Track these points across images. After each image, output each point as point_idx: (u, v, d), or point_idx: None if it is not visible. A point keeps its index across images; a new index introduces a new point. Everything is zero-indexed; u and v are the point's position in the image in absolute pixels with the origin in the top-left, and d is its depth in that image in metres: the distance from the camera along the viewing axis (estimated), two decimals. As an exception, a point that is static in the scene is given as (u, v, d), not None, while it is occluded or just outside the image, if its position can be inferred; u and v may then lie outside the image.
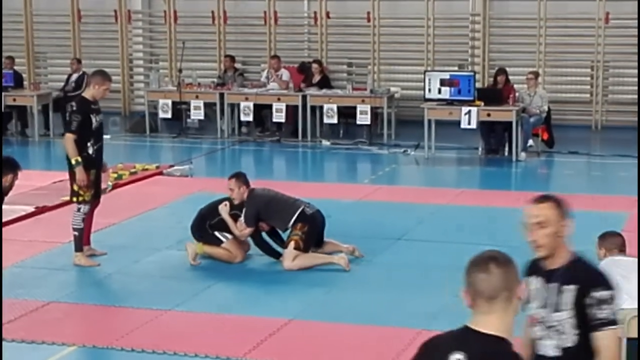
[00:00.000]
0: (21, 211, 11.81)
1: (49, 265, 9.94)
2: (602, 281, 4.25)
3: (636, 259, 6.73)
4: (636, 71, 17.74)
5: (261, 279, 9.61)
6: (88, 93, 9.94)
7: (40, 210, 12.08)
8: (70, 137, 9.67)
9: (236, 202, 9.97)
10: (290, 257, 9.72)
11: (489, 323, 3.47)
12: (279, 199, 10.08)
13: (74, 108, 9.73)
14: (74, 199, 9.87)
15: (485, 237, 10.87)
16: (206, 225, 10.09)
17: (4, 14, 21.97)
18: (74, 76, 18.80)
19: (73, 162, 9.66)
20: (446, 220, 11.86)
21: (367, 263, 9.98)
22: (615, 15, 18.49)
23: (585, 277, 4.26)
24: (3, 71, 18.42)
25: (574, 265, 4.31)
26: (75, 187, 9.79)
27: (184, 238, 10.48)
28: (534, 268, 4.48)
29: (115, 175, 13.89)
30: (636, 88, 17.83)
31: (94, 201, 10.10)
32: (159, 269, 9.89)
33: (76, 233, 9.91)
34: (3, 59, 19.25)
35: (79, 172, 9.65)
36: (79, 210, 9.89)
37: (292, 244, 9.75)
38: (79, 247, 9.92)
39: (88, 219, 10.06)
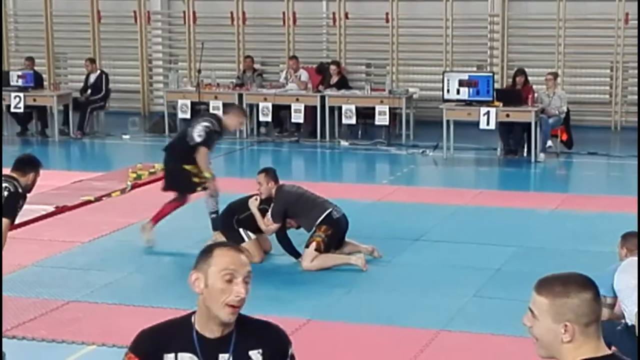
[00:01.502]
0: (41, 211, 11.88)
1: (68, 264, 10.00)
2: (286, 335, 3.46)
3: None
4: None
5: (280, 278, 9.64)
6: (226, 120, 10.60)
7: (60, 210, 12.15)
8: (204, 151, 10.37)
9: (263, 196, 10.03)
10: (310, 258, 9.74)
11: (603, 346, 2.99)
12: (307, 198, 10.12)
13: (217, 129, 10.42)
14: (199, 189, 10.59)
15: (504, 237, 10.89)
16: (233, 220, 10.13)
17: (25, 14, 22.16)
18: (92, 76, 18.87)
19: (208, 175, 10.45)
20: (465, 220, 11.86)
21: (385, 264, 9.99)
22: (635, 16, 18.38)
23: (269, 337, 3.38)
24: (23, 72, 18.54)
25: (246, 325, 3.35)
26: (196, 179, 10.46)
27: (203, 238, 10.51)
28: (168, 341, 3.34)
29: (135, 175, 13.96)
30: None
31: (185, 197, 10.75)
32: (178, 268, 9.93)
33: (213, 215, 10.63)
34: (24, 60, 19.41)
35: (213, 184, 10.52)
36: (211, 196, 10.61)
37: (313, 245, 9.76)
38: (214, 227, 10.57)
39: (171, 207, 10.67)
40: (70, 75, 22.24)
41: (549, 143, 16.31)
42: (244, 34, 20.65)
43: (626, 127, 18.95)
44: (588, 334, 2.94)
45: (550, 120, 16.12)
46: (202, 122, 10.45)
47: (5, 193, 7.32)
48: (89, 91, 18.65)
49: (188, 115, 18.41)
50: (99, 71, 18.94)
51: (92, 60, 19.37)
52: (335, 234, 9.92)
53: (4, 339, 7.76)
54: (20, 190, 7.40)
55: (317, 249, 9.74)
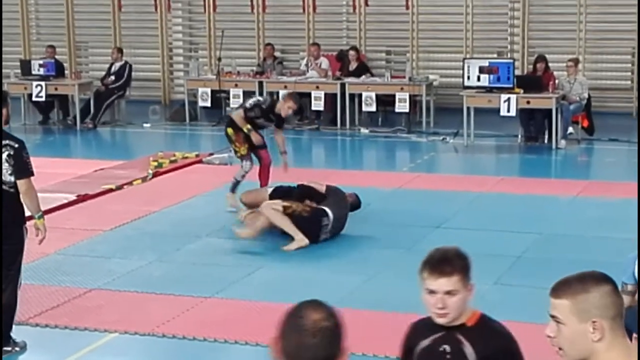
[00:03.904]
0: (63, 199, 11.94)
1: (90, 253, 10.05)
2: None
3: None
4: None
5: (302, 266, 9.66)
6: (279, 105, 11.71)
7: (82, 199, 12.20)
8: (240, 113, 11.68)
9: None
10: (270, 207, 10.20)
11: (629, 345, 2.96)
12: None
13: (264, 107, 11.71)
14: (237, 155, 11.87)
15: (525, 225, 10.87)
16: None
17: (46, 3, 22.21)
18: (116, 65, 18.91)
19: (246, 130, 11.52)
20: (485, 208, 11.84)
21: (406, 251, 9.99)
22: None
23: None
24: (45, 60, 18.61)
25: None
26: (234, 147, 11.74)
27: (224, 225, 10.57)
28: None
29: (156, 163, 14.00)
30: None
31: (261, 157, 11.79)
32: (199, 256, 9.97)
33: (234, 180, 11.72)
34: (45, 49, 19.49)
35: (254, 135, 11.59)
36: (242, 167, 11.69)
37: (284, 204, 10.23)
38: (233, 189, 11.64)
39: (264, 174, 11.77)
40: (91, 64, 22.30)
41: (570, 130, 16.24)
42: (264, 21, 20.63)
43: (648, 114, 18.84)
44: (616, 331, 2.86)
45: (571, 107, 16.06)
46: (257, 98, 12.22)
47: (11, 152, 7.13)
48: (112, 77, 18.64)
49: (209, 104, 18.45)
50: (123, 60, 18.97)
51: (120, 50, 19.39)
52: (311, 219, 10.16)
53: (26, 327, 7.84)
54: (16, 145, 7.21)
55: (287, 208, 10.14)
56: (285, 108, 11.62)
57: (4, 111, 7.34)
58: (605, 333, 2.85)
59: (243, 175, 11.66)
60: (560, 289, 2.92)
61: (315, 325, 2.79)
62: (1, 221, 7.13)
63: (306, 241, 10.04)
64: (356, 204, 10.87)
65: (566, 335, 2.88)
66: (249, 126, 11.50)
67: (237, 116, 11.68)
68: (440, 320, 3.84)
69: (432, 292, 3.81)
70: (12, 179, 7.17)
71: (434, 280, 3.82)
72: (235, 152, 11.79)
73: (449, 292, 3.78)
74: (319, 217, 10.22)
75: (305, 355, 2.77)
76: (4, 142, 7.18)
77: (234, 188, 11.67)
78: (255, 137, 11.53)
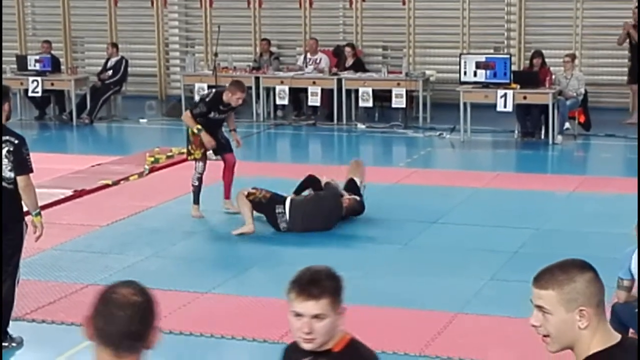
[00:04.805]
0: (60, 195, 11.94)
1: (87, 248, 10.05)
2: None
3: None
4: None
5: (297, 263, 9.62)
6: (226, 98, 11.16)
7: (79, 194, 12.19)
8: (187, 113, 11.38)
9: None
10: (241, 192, 10.61)
11: (611, 329, 3.05)
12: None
13: (207, 100, 11.25)
14: (189, 158, 11.47)
15: (521, 220, 10.88)
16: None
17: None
18: (112, 60, 18.88)
19: (195, 130, 11.10)
20: (482, 203, 11.85)
21: (403, 246, 10.01)
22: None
23: None
24: (41, 56, 18.60)
25: None
26: (190, 148, 11.31)
27: (219, 221, 10.56)
28: None
29: (152, 159, 14.00)
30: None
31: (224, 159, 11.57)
32: (195, 252, 9.98)
33: (192, 188, 11.27)
34: (41, 44, 19.47)
35: (204, 136, 11.10)
36: (195, 169, 11.28)
37: (250, 190, 10.59)
38: (195, 200, 11.22)
39: (227, 174, 11.49)
40: (87, 60, 22.28)
41: (567, 125, 16.25)
42: (260, 16, 20.62)
43: (644, 109, 18.83)
44: (600, 315, 2.93)
45: (568, 102, 16.06)
46: (201, 98, 11.66)
47: (11, 148, 7.16)
48: (109, 73, 18.62)
49: (205, 99, 18.40)
50: (119, 56, 18.95)
51: (114, 45, 19.36)
52: (266, 205, 10.54)
53: (23, 322, 7.84)
54: (17, 141, 7.21)
55: (250, 194, 10.50)
56: (234, 100, 11.13)
57: (6, 106, 7.33)
58: (592, 320, 2.91)
59: (198, 177, 11.20)
60: (545, 279, 2.95)
61: (124, 298, 2.80)
62: (1, 217, 7.14)
63: (251, 229, 10.34)
64: (356, 209, 10.83)
65: (553, 324, 2.93)
66: (199, 126, 11.03)
67: (185, 117, 11.34)
68: (306, 346, 3.60)
69: (298, 315, 3.55)
70: (12, 175, 7.19)
71: (300, 303, 3.57)
72: (190, 154, 11.30)
73: (316, 316, 3.56)
74: (273, 205, 10.55)
75: (113, 328, 2.81)
76: (4, 138, 7.19)
77: (196, 198, 11.23)
78: (206, 138, 11.04)
